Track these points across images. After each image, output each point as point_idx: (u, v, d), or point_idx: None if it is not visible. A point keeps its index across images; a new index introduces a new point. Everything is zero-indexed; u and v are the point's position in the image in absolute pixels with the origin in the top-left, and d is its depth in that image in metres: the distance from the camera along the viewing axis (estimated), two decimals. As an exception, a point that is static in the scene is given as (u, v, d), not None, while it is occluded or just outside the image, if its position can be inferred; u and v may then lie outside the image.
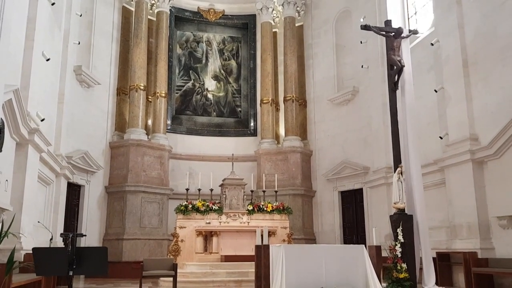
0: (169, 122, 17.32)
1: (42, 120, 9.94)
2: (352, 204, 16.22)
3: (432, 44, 12.13)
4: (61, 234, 4.01)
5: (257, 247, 6.79)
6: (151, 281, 11.40)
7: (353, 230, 15.94)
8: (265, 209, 13.22)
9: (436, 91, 11.82)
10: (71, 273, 3.72)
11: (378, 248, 7.14)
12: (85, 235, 12.65)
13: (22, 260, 7.98)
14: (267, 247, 6.69)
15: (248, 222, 12.89)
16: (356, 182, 15.91)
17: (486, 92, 10.33)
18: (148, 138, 15.88)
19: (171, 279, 11.32)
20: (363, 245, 6.96)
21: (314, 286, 6.48)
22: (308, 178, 17.27)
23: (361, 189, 15.73)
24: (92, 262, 3.90)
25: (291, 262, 6.56)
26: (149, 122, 16.46)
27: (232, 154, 14.11)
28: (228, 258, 11.81)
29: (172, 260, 8.70)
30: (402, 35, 10.09)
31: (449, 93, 11.35)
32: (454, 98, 11.14)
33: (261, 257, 6.64)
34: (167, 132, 16.73)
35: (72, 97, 13.31)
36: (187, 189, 12.99)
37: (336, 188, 16.70)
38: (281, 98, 17.90)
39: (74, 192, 14.03)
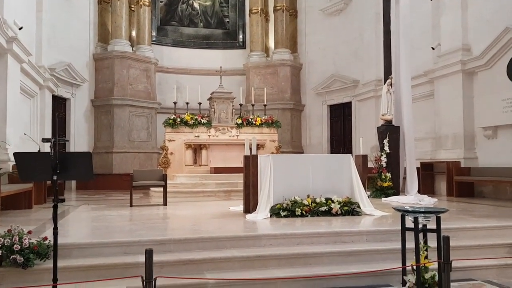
0: (154, 33, 16.73)
1: (20, 28, 9.50)
2: (341, 117, 16.29)
3: (429, -51, 11.51)
4: (43, 139, 3.92)
5: (246, 157, 6.81)
6: (142, 192, 11.63)
7: (341, 143, 16.14)
8: (254, 122, 13.21)
9: (431, -1, 11.42)
10: (55, 177, 3.67)
11: (364, 157, 7.22)
12: (68, 140, 12.68)
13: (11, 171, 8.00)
14: (255, 156, 6.72)
15: (237, 136, 12.93)
16: (345, 96, 15.85)
17: (483, -1, 9.99)
18: (133, 50, 15.40)
19: (161, 189, 11.63)
20: (350, 155, 7.03)
21: (301, 194, 6.61)
22: (298, 92, 17.13)
23: (349, 103, 15.72)
24: (76, 167, 3.84)
25: (279, 171, 6.63)
26: (133, 33, 15.86)
27: (220, 67, 13.80)
28: (217, 170, 11.98)
29: (161, 171, 8.78)
30: None
31: (444, 1, 10.96)
32: (449, 6, 10.79)
33: (250, 166, 6.69)
34: (152, 44, 16.21)
35: (52, 6, 12.65)
36: (175, 103, 12.84)
37: (325, 102, 16.66)
38: (271, 8, 17.21)
39: (59, 105, 13.82)
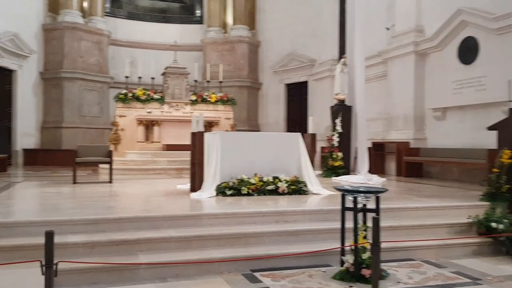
0: (107, 5, 16.05)
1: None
2: (297, 97, 16.25)
3: None
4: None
5: (193, 134, 6.61)
6: (92, 169, 11.25)
7: (297, 122, 16.13)
8: (208, 99, 12.97)
9: (387, -21, 11.39)
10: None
11: (313, 136, 7.15)
12: None
13: None
14: (201, 133, 6.52)
15: (191, 113, 12.61)
16: (302, 75, 15.79)
17: (437, -20, 10.03)
18: (84, 21, 14.72)
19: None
20: (299, 133, 6.94)
21: (249, 172, 6.50)
22: (255, 70, 16.95)
23: (306, 82, 15.68)
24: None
25: (226, 149, 6.47)
26: (85, 4, 15.14)
27: (175, 41, 13.38)
28: (169, 147, 11.72)
29: (107, 147, 8.45)
30: None
31: (400, -19, 10.96)
32: (405, -14, 10.79)
33: (196, 143, 6.50)
34: (105, 15, 15.57)
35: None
36: (126, 77, 12.40)
37: (282, 81, 16.57)
38: (229, -17, 16.84)
39: (5, 77, 13.11)
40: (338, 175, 9.62)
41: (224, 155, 6.44)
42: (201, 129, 6.48)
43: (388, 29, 11.40)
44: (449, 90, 9.52)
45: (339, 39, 10.85)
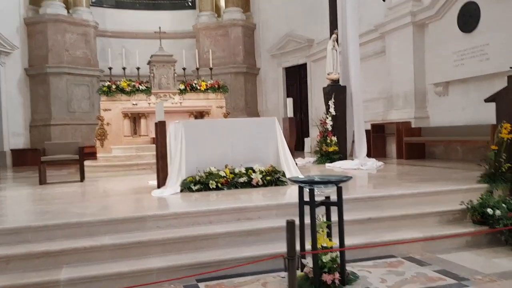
0: (93, -6, 15.44)
1: None
2: (296, 80, 15.48)
3: None
4: None
5: (155, 124, 5.98)
6: (75, 167, 10.71)
7: (297, 107, 15.37)
8: (198, 88, 12.26)
9: None
10: None
11: (291, 120, 6.44)
12: None
13: None
14: (163, 123, 5.88)
15: (181, 103, 12.00)
16: (300, 57, 14.99)
17: None
18: (69, 12, 14.13)
19: (96, 163, 10.74)
20: (275, 118, 6.24)
21: (220, 164, 5.85)
22: (252, 54, 16.19)
23: (305, 64, 14.89)
24: None
25: (193, 139, 5.83)
26: (69, -6, 14.56)
27: (159, 28, 12.65)
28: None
29: (77, 143, 7.86)
30: None
31: None
32: (398, -47, 9.92)
33: (158, 135, 5.87)
34: (91, 5, 14.94)
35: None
36: (110, 68, 11.80)
37: (280, 64, 15.79)
38: (220, -36, 16.06)
39: (-13, 75, 12.67)
40: (332, 161, 8.91)
41: (190, 146, 5.80)
42: (161, 118, 5.83)
43: (384, 0, 10.53)
44: (450, 62, 8.69)
45: (329, 13, 10.04)
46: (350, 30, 9.29)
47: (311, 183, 3.38)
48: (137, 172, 9.36)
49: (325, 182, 3.36)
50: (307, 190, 3.40)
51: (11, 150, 13.08)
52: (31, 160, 12.82)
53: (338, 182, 3.39)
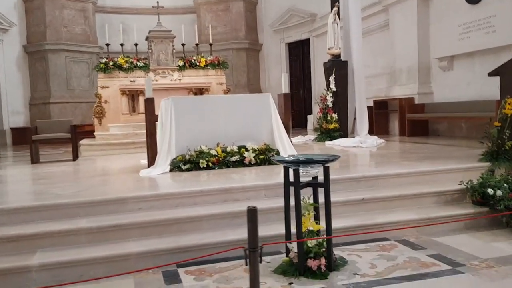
0: (92, -31, 15.04)
1: None
2: (300, 56, 15.13)
3: None
4: None
5: (145, 101, 5.77)
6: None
7: (300, 84, 15.08)
8: (198, 64, 11.98)
9: None
10: None
11: (286, 96, 6.19)
12: None
13: None
14: (151, 100, 5.67)
15: (180, 79, 11.72)
16: (303, 32, 14.60)
17: None
18: (66, -12, 13.83)
19: (95, 141, 10.59)
20: (269, 94, 6.00)
21: (211, 142, 5.65)
22: (254, 30, 15.81)
23: (308, 39, 14.51)
24: None
25: (183, 116, 5.62)
26: (66, -31, 14.20)
27: (157, 2, 12.32)
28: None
29: (70, 121, 7.70)
30: None
31: None
32: None
33: (146, 112, 5.66)
34: (89, -20, 14.59)
35: None
36: (107, 44, 11.51)
37: (283, 40, 15.41)
38: None
39: (-15, 53, 12.49)
40: (333, 138, 8.68)
41: (180, 124, 5.59)
42: (150, 95, 5.62)
43: (387, -29, 10.11)
44: (456, 35, 8.33)
45: (330, -15, 9.67)
46: (352, 3, 8.96)
47: (296, 163, 3.17)
48: (134, 150, 9.18)
49: (311, 162, 3.14)
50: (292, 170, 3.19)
51: (11, 128, 12.99)
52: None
53: (325, 162, 3.17)
